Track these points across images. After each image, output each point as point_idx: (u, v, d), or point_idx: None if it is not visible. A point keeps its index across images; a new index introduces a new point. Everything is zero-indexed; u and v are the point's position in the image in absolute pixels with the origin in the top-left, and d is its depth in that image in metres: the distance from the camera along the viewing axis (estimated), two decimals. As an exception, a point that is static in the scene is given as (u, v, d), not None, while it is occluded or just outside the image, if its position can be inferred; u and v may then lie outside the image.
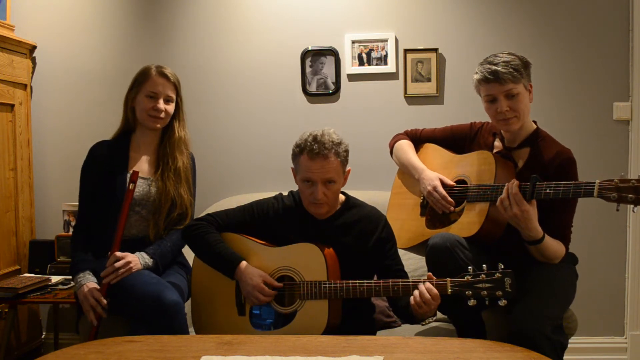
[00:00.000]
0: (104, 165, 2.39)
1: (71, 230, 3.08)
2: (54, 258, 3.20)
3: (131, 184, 2.29)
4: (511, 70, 2.16)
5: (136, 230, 2.40)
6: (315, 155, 2.09)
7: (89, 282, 2.27)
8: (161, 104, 2.40)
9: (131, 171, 2.34)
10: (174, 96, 2.45)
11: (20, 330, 3.26)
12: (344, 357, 1.72)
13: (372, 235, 2.22)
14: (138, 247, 2.34)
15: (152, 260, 2.32)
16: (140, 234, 2.40)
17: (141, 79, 2.43)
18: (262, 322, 2.16)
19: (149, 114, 2.40)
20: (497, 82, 2.17)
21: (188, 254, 2.40)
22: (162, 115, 2.41)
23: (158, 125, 2.43)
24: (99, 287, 2.25)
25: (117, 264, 2.23)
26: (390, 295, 2.09)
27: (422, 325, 2.18)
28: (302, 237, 2.17)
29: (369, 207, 2.29)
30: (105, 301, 2.22)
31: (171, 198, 2.40)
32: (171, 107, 2.45)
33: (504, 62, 2.17)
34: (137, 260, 2.28)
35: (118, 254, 2.25)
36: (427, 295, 1.96)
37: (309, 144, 2.11)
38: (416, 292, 1.99)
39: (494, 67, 2.17)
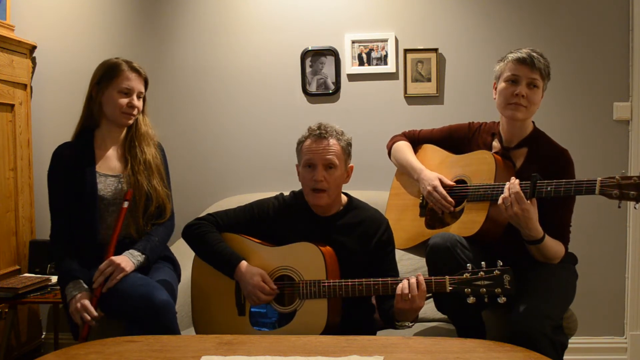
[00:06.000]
0: (71, 167, 2.31)
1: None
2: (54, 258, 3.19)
3: (125, 202, 2.27)
4: (545, 64, 2.22)
5: None
6: (318, 137, 2.16)
7: (80, 293, 2.19)
8: (135, 100, 2.34)
9: (125, 190, 2.30)
10: (144, 91, 2.40)
11: (20, 330, 3.26)
12: (344, 357, 1.72)
13: (373, 237, 2.22)
14: (124, 249, 2.29)
15: (143, 255, 2.28)
16: (120, 234, 2.32)
17: (111, 73, 2.33)
18: (262, 322, 2.16)
19: (123, 110, 2.33)
20: (529, 67, 2.19)
21: (181, 251, 2.41)
22: (136, 112, 2.36)
23: (130, 122, 2.38)
24: (89, 299, 2.19)
25: (108, 270, 2.18)
26: (389, 293, 2.08)
27: (397, 327, 2.15)
28: (303, 236, 2.17)
29: (372, 210, 2.29)
30: (96, 313, 2.16)
31: (145, 192, 2.34)
32: (141, 103, 2.40)
33: (540, 54, 2.23)
34: (127, 259, 2.23)
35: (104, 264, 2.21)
36: (415, 288, 1.96)
37: (313, 130, 2.19)
38: (404, 283, 1.99)
39: (532, 53, 2.21)
